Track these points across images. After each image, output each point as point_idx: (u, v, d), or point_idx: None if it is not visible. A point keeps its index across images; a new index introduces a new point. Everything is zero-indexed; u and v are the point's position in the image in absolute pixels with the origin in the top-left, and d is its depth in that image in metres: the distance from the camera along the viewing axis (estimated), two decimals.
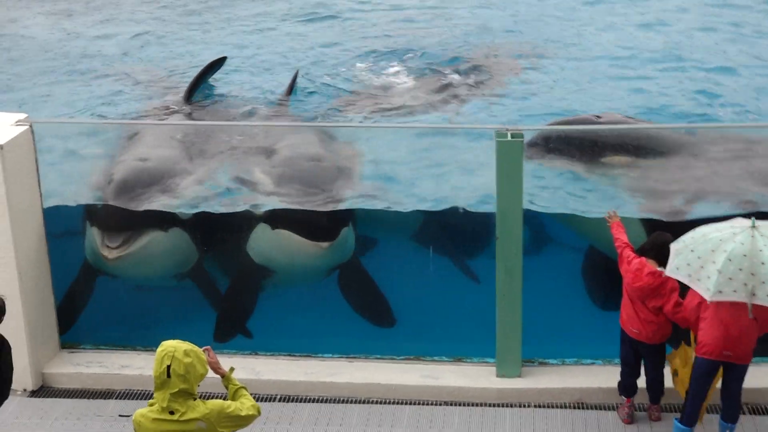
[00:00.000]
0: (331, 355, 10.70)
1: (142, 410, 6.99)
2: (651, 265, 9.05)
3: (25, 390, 10.42)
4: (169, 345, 6.91)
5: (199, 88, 14.31)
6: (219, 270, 11.78)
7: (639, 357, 9.42)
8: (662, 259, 8.92)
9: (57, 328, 10.79)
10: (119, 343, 11.02)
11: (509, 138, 9.58)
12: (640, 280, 9.02)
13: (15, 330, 10.05)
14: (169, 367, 6.82)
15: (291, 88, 13.92)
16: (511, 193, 9.66)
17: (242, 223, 11.09)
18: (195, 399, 6.94)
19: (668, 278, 8.92)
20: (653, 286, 9.02)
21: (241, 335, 11.33)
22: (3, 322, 8.25)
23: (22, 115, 10.26)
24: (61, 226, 10.75)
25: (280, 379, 10.34)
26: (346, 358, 10.66)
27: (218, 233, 11.36)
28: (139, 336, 11.03)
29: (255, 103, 14.01)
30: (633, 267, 9.07)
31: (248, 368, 10.41)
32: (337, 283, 11.48)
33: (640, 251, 9.20)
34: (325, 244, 10.73)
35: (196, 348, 6.97)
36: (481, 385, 10.06)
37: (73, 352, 10.88)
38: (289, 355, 10.72)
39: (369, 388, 10.24)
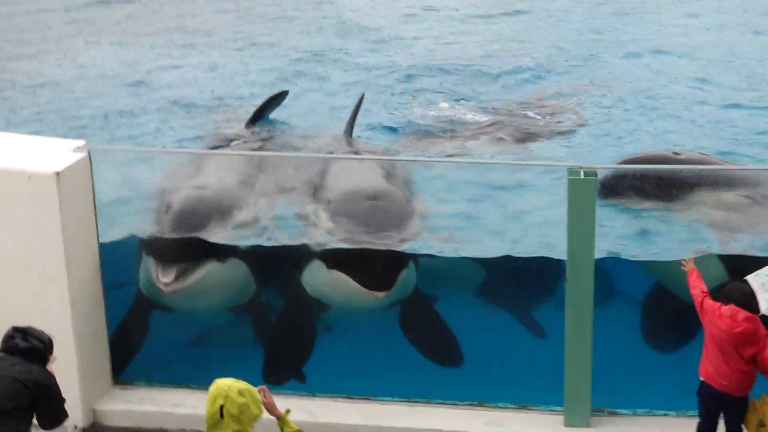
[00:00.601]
0: (391, 398, 10.29)
1: None
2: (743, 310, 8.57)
3: (75, 427, 10.09)
4: (223, 384, 6.58)
5: (261, 121, 14.03)
6: (278, 304, 11.46)
7: (720, 411, 8.90)
8: (747, 306, 8.46)
9: (110, 364, 10.48)
10: (173, 380, 10.68)
11: (582, 176, 9.18)
12: (737, 326, 8.50)
13: (67, 365, 9.80)
14: (222, 407, 6.49)
15: (355, 116, 13.46)
16: (582, 234, 9.24)
17: (300, 257, 10.75)
18: None
19: (759, 324, 8.45)
20: (750, 331, 8.51)
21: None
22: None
23: (81, 142, 10.02)
24: (116, 258, 10.45)
25: (338, 422, 9.95)
26: (407, 401, 10.24)
27: (276, 266, 11.03)
28: (194, 374, 10.69)
29: (319, 134, 13.73)
30: (726, 313, 8.55)
31: (304, 410, 10.00)
32: (398, 320, 11.05)
33: (723, 299, 8.71)
34: (381, 294, 10.30)
35: (251, 387, 6.64)
36: None
37: (125, 389, 10.56)
38: (348, 397, 10.33)
39: None
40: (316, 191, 11.38)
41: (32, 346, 7.92)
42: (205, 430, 6.68)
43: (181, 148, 12.85)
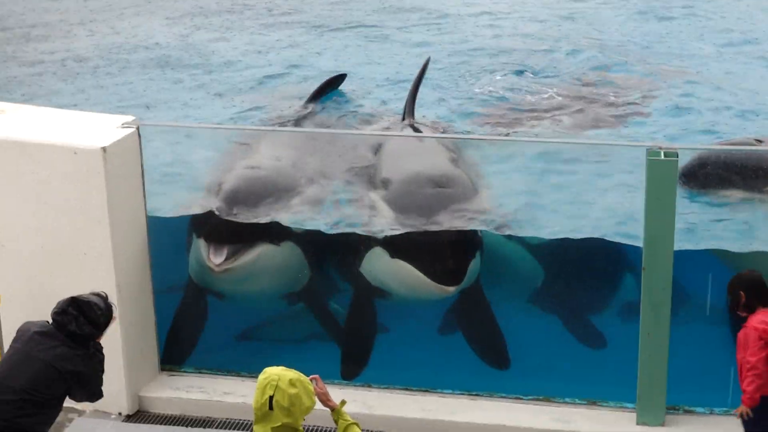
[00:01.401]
0: (451, 391, 9.73)
1: None
2: None
3: (120, 413, 9.67)
4: (273, 373, 6.06)
5: (318, 102, 13.50)
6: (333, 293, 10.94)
7: None
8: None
9: (157, 349, 10.02)
10: (223, 368, 10.21)
11: (662, 157, 8.57)
12: None
13: (112, 349, 9.25)
14: (271, 398, 5.98)
15: (416, 88, 12.71)
16: (662, 219, 8.62)
17: (359, 243, 10.19)
18: None
19: None
20: None
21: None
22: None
23: (129, 117, 9.55)
24: (165, 238, 9.97)
25: (395, 415, 9.41)
26: (468, 395, 9.68)
27: (334, 252, 10.51)
28: (245, 362, 10.22)
29: (382, 113, 13.17)
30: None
31: (359, 401, 9.49)
32: (454, 308, 10.48)
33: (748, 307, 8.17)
34: (451, 289, 9.67)
35: (302, 377, 6.13)
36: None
37: (172, 376, 10.10)
38: (406, 389, 9.78)
39: (493, 429, 9.26)
40: (374, 175, 10.79)
41: (82, 333, 7.48)
42: (253, 421, 6.17)
43: (232, 125, 12.28)
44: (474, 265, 9.90)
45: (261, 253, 9.96)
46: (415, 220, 9.88)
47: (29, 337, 7.41)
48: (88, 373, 7.46)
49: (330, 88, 14.17)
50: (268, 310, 11.13)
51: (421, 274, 9.60)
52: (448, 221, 9.78)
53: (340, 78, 14.41)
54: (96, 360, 7.59)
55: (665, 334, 8.83)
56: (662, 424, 9.04)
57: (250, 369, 10.02)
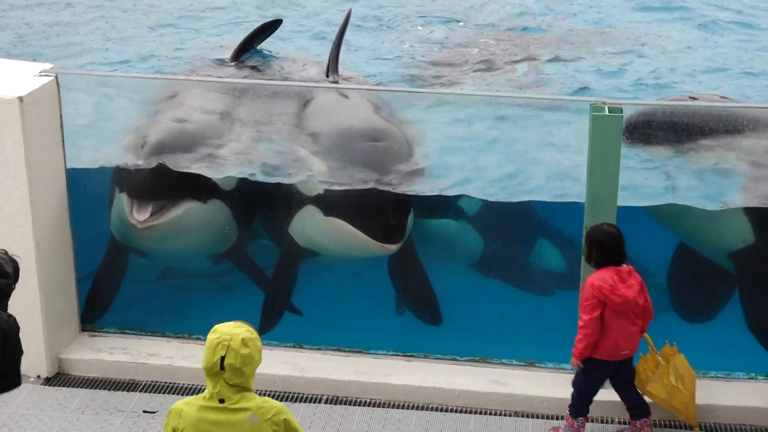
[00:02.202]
0: (386, 351, 9.43)
1: (188, 398, 5.81)
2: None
3: (38, 377, 9.22)
4: (224, 332, 5.65)
5: (250, 51, 12.94)
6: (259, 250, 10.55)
7: None
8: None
9: (77, 309, 9.56)
10: (147, 327, 9.79)
11: (606, 112, 8.29)
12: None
13: (30, 309, 8.95)
14: (223, 358, 5.60)
15: (340, 39, 12.13)
16: (605, 177, 8.34)
17: (288, 200, 9.80)
18: (250, 391, 5.75)
19: None
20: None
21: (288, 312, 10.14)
22: (14, 293, 6.95)
23: (47, 65, 9.02)
24: (85, 192, 9.48)
25: (328, 377, 9.09)
26: (403, 356, 9.38)
27: (262, 210, 10.10)
28: (170, 321, 9.82)
29: (309, 63, 12.67)
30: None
31: (291, 363, 9.21)
32: (387, 266, 10.14)
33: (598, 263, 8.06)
34: (393, 247, 9.33)
35: (254, 334, 5.72)
36: (558, 395, 8.75)
37: (94, 336, 9.66)
38: (339, 350, 9.46)
39: (429, 392, 8.97)
40: (303, 128, 10.32)
41: None
42: (192, 381, 5.78)
43: (156, 75, 11.71)
44: (410, 221, 9.58)
45: (187, 210, 9.51)
46: (350, 176, 9.51)
47: None
48: (9, 332, 6.53)
49: (264, 34, 13.41)
50: (193, 269, 10.72)
51: (360, 233, 9.25)
52: (384, 177, 9.42)
53: (275, 23, 13.65)
54: (16, 325, 6.68)
55: None
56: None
57: (174, 329, 9.67)
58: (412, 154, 9.87)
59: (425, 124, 10.44)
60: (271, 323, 9.90)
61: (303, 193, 9.67)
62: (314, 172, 9.66)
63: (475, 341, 9.53)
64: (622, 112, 8.31)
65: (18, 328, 6.68)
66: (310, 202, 9.61)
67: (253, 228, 10.53)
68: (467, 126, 10.28)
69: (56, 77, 8.84)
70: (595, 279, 7.95)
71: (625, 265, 8.00)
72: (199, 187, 9.56)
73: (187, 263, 10.52)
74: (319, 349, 9.48)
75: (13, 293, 7.01)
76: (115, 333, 9.73)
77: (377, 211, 9.29)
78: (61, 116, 8.92)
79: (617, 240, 7.98)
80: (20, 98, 8.42)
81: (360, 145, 9.80)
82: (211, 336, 5.67)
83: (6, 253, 6.85)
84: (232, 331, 5.65)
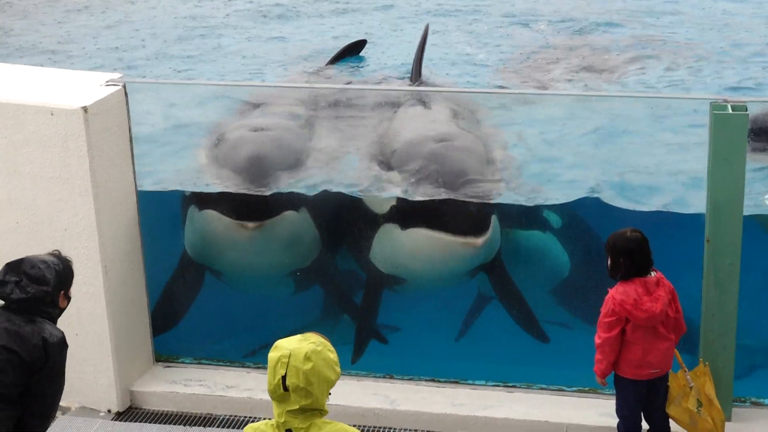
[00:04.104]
0: (484, 382, 8.62)
1: (255, 424, 4.98)
2: None
3: (109, 411, 8.55)
4: (284, 347, 4.79)
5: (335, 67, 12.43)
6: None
7: None
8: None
9: (150, 338, 8.88)
10: (225, 357, 9.09)
11: (729, 111, 7.40)
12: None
13: (99, 337, 8.31)
14: (284, 378, 4.77)
15: (421, 52, 11.66)
16: (729, 182, 7.46)
17: (366, 220, 9.12)
18: (323, 414, 4.90)
19: None
20: None
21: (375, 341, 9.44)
22: (82, 318, 6.32)
23: (115, 75, 8.40)
24: (159, 211, 8.84)
25: (421, 410, 8.29)
26: (504, 386, 8.56)
27: (344, 223, 9.42)
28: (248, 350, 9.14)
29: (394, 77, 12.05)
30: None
31: (381, 395, 8.46)
32: (492, 288, 9.34)
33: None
34: (479, 240, 8.60)
35: (321, 345, 4.84)
36: (678, 429, 7.81)
37: (169, 367, 8.97)
38: (433, 380, 8.66)
39: (532, 426, 8.13)
40: (382, 144, 9.68)
41: (29, 296, 6.01)
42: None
43: (234, 82, 11.05)
44: (495, 224, 8.79)
45: (286, 217, 8.96)
46: (423, 177, 8.86)
47: None
48: (50, 353, 5.97)
49: (350, 53, 13.43)
50: (271, 291, 10.02)
51: (442, 234, 8.59)
52: (457, 178, 8.68)
53: (361, 44, 13.64)
54: (59, 344, 6.04)
55: (733, 317, 7.69)
56: (729, 419, 7.86)
57: (255, 359, 8.96)
58: (490, 163, 9.14)
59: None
60: (359, 351, 9.18)
61: (376, 211, 9.06)
62: (389, 183, 9.00)
63: (584, 369, 8.63)
64: (747, 111, 7.41)
65: (64, 344, 6.09)
66: (385, 220, 8.98)
67: (339, 248, 9.85)
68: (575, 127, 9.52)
69: (124, 86, 8.20)
70: (618, 292, 7.06)
71: (653, 273, 7.07)
72: (293, 197, 9.02)
73: (264, 284, 9.80)
74: (411, 379, 8.69)
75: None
76: (191, 363, 9.06)
77: (456, 210, 8.62)
78: (129, 128, 8.27)
79: (645, 246, 7.03)
80: (84, 109, 7.79)
81: (427, 147, 9.14)
82: (271, 354, 4.83)
83: (57, 254, 6.24)
84: (295, 345, 4.79)
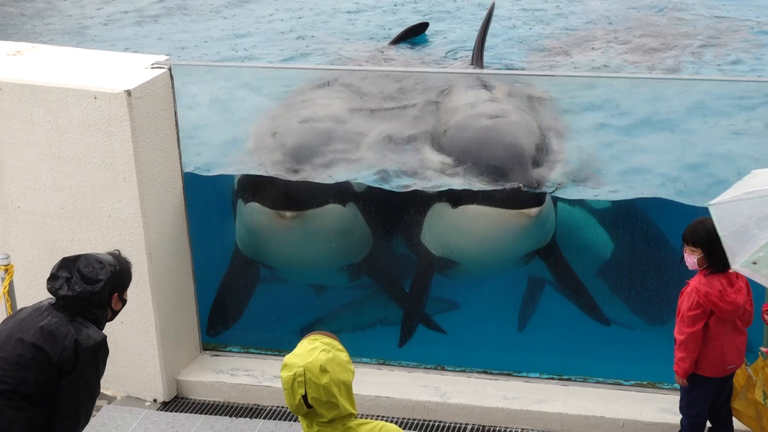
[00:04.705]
0: (538, 374, 8.33)
1: None
2: None
3: (155, 401, 8.40)
4: (296, 364, 4.54)
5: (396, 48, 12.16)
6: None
7: None
8: None
9: (198, 326, 8.70)
10: (273, 346, 8.88)
11: None
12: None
13: (144, 326, 8.14)
14: (305, 397, 4.54)
15: (484, 34, 11.34)
16: None
17: (417, 203, 8.86)
18: (355, 417, 4.68)
19: None
20: None
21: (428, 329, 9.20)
22: (127, 307, 6.09)
23: (161, 57, 8.20)
24: (206, 196, 8.65)
25: (473, 404, 8.03)
26: (559, 379, 8.27)
27: (395, 216, 9.15)
28: (298, 339, 8.87)
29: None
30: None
31: (431, 387, 8.21)
32: (551, 274, 9.06)
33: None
34: (534, 211, 8.29)
35: (332, 349, 4.60)
36: (740, 426, 7.48)
37: (216, 356, 8.80)
38: (485, 372, 8.39)
39: (588, 421, 7.83)
40: (433, 128, 9.41)
41: (74, 295, 5.75)
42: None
43: (283, 64, 10.78)
44: (549, 204, 8.54)
45: (329, 209, 8.68)
46: (472, 157, 8.62)
47: (24, 314, 5.94)
48: (82, 358, 5.68)
49: (410, 36, 13.10)
50: (323, 283, 9.80)
51: (493, 209, 8.32)
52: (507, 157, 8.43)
53: (422, 27, 13.29)
54: (95, 348, 5.74)
55: None
56: None
57: None
58: (546, 150, 8.86)
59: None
60: (406, 339, 8.95)
61: (428, 192, 8.73)
62: (439, 167, 8.73)
63: (641, 362, 8.34)
64: None
65: (100, 350, 5.78)
66: (436, 200, 8.68)
67: (391, 239, 9.60)
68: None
69: (170, 69, 8.00)
70: (701, 284, 6.71)
71: None
72: (339, 190, 8.73)
73: (316, 278, 9.58)
74: (463, 371, 8.43)
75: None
76: (238, 352, 8.87)
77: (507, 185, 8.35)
78: (175, 112, 8.07)
79: None
80: (128, 92, 7.59)
81: (477, 125, 8.93)
82: (284, 374, 4.57)
83: (117, 254, 6.01)
84: (306, 359, 4.53)
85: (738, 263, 5.67)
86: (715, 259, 6.65)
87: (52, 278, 5.81)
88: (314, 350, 4.53)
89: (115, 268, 5.90)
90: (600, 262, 9.42)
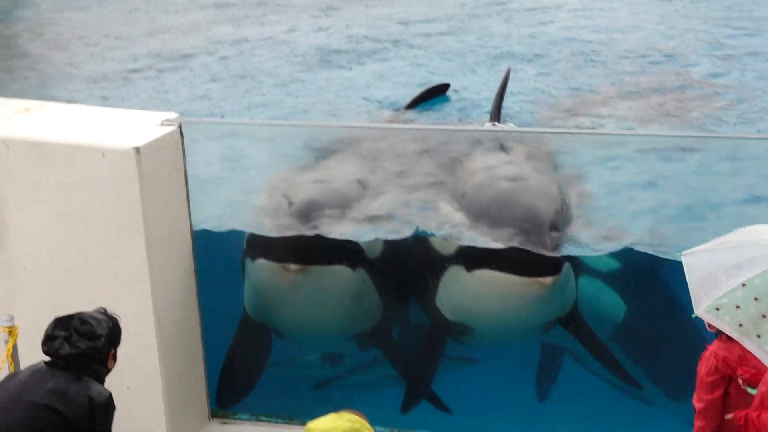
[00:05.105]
0: None
1: None
2: None
3: None
4: (319, 428, 4.35)
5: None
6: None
7: None
8: None
9: (206, 393, 8.41)
10: (284, 414, 8.57)
11: None
12: None
13: (151, 392, 7.85)
14: None
15: (501, 97, 11.20)
16: None
17: (432, 264, 8.60)
18: None
19: None
20: None
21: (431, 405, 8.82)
22: (133, 372, 6.00)
23: (171, 114, 8.01)
24: (212, 258, 8.41)
25: None
26: None
27: (408, 280, 8.91)
28: (310, 407, 8.58)
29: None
30: None
31: None
32: (578, 340, 8.78)
33: None
34: (548, 280, 8.02)
35: (359, 421, 4.43)
36: None
37: (225, 424, 8.50)
38: None
39: None
40: (453, 187, 9.21)
41: (80, 352, 5.73)
42: None
43: (293, 121, 10.62)
44: (568, 271, 8.24)
45: (336, 269, 8.47)
46: (490, 217, 8.39)
47: (22, 377, 5.80)
48: (97, 414, 5.69)
49: (431, 96, 12.85)
50: (333, 349, 9.55)
51: (509, 276, 8.05)
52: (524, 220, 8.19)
53: (443, 87, 13.01)
54: (106, 405, 5.77)
55: None
56: None
57: (316, 415, 8.41)
58: (560, 201, 8.63)
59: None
60: (408, 409, 8.74)
61: (443, 253, 8.54)
62: (457, 226, 8.51)
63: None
64: None
65: (111, 405, 5.74)
66: (452, 262, 8.46)
67: (403, 309, 9.38)
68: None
69: (179, 126, 7.80)
70: (719, 348, 6.34)
71: None
72: (349, 251, 8.50)
73: (326, 344, 9.32)
74: None
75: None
76: (248, 420, 8.59)
77: (525, 250, 8.10)
78: (185, 170, 7.86)
79: None
80: (137, 149, 7.39)
81: (495, 188, 8.75)
82: None
83: (104, 312, 5.90)
84: (330, 425, 4.33)
85: (701, 308, 5.51)
86: None
87: (50, 339, 5.76)
88: (339, 419, 4.38)
89: (110, 324, 5.91)
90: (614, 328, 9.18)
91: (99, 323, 5.81)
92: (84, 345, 5.70)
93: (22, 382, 5.71)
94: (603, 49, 14.47)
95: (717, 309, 5.43)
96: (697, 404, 6.47)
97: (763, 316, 5.32)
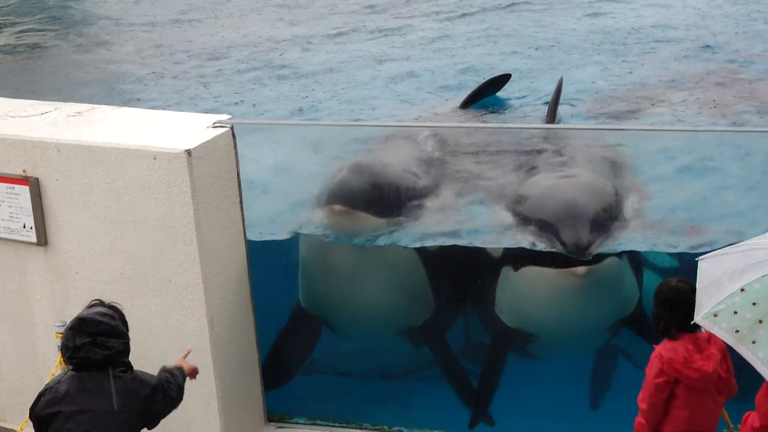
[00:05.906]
0: None
1: None
2: None
3: None
4: None
5: (476, 105, 11.70)
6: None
7: None
8: None
9: (262, 396, 8.31)
10: (341, 418, 8.45)
11: None
12: None
13: (205, 396, 7.75)
14: None
15: (557, 100, 10.93)
16: None
17: (488, 269, 8.45)
18: None
19: None
20: None
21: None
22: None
23: (224, 116, 7.90)
24: (270, 261, 8.32)
25: None
26: None
27: (462, 279, 8.76)
28: (367, 410, 8.48)
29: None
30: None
31: None
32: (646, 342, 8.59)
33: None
34: (580, 269, 7.82)
35: None
36: None
37: (281, 428, 8.39)
38: None
39: None
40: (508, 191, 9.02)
41: (112, 352, 5.72)
42: None
43: (353, 122, 10.47)
44: (616, 264, 8.09)
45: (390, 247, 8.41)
46: (532, 215, 8.27)
47: (63, 391, 5.75)
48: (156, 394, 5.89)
49: (492, 87, 12.31)
50: (385, 347, 9.41)
51: (543, 269, 7.94)
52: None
53: (504, 78, 12.49)
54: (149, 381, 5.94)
55: None
56: None
57: (372, 420, 8.31)
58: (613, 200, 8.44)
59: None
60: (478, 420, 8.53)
61: (495, 255, 8.41)
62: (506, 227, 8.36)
63: None
64: None
65: (147, 389, 5.83)
66: (502, 265, 8.31)
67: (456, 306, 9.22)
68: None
69: (232, 128, 7.69)
70: (665, 350, 6.16)
71: (702, 330, 6.11)
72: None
73: (378, 338, 9.18)
74: None
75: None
76: (305, 424, 8.47)
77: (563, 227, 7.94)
78: (238, 172, 7.74)
79: (690, 298, 5.95)
80: (188, 152, 7.28)
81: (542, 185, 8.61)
82: None
83: (101, 303, 5.88)
84: None
85: (700, 315, 5.35)
86: (672, 320, 6.19)
87: (78, 349, 5.71)
88: None
89: (121, 314, 5.96)
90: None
91: (113, 318, 5.81)
92: (115, 343, 5.73)
93: (73, 396, 5.69)
94: (658, 44, 14.22)
95: (715, 315, 5.37)
96: (641, 404, 6.34)
97: (760, 321, 5.25)
